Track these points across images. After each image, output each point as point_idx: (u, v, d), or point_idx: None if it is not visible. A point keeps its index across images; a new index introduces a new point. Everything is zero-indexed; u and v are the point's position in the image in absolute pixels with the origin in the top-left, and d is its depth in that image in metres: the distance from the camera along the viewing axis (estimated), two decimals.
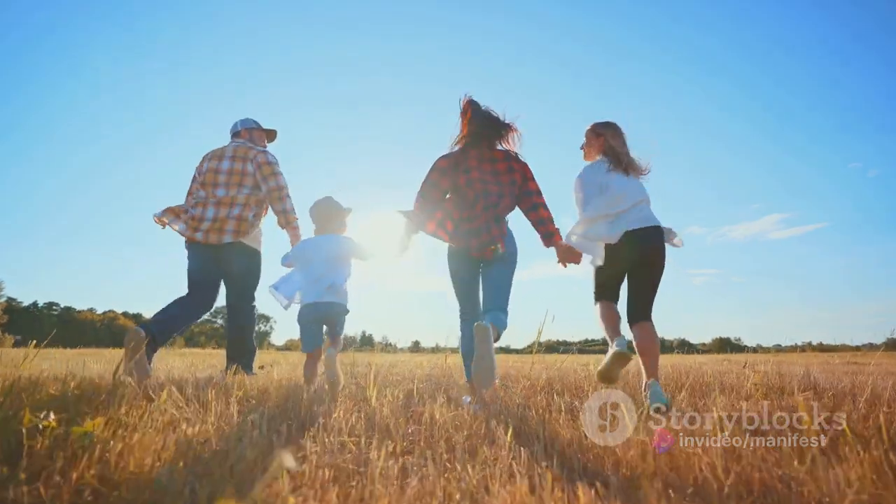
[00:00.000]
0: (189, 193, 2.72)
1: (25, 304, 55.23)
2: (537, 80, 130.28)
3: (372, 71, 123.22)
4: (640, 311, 2.21)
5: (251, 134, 2.83)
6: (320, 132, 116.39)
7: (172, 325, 2.44)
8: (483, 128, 2.19)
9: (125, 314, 61.04)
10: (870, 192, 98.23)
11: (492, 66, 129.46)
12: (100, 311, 59.40)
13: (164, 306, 2.47)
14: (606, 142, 2.35)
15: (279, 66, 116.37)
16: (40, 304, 57.04)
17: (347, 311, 2.31)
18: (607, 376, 2.13)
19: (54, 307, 57.45)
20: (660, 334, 2.30)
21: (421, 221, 2.16)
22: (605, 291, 2.32)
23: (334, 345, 2.26)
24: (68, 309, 57.35)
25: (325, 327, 2.29)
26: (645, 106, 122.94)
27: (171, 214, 2.63)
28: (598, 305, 2.32)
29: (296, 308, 2.28)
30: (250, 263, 2.66)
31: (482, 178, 2.12)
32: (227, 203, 2.56)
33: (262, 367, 3.46)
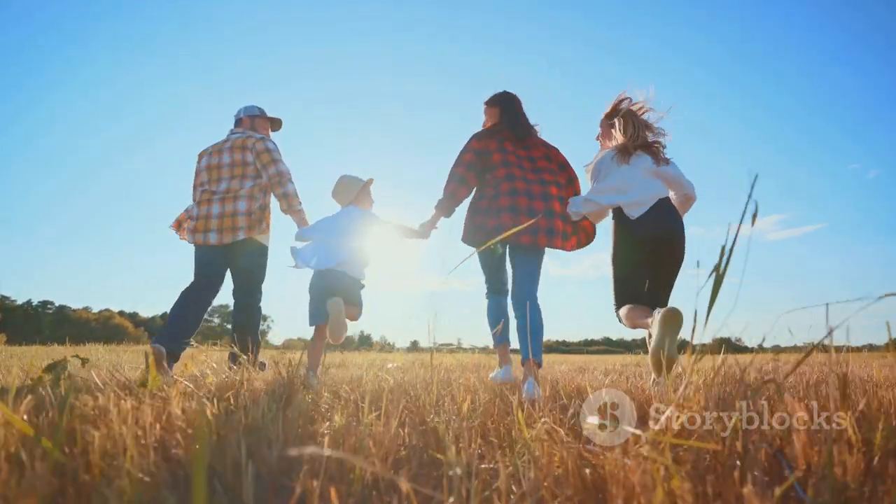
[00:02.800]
0: (194, 188, 2.70)
1: (19, 302, 54.89)
2: (542, 82, 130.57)
3: (378, 69, 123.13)
4: (662, 300, 2.07)
5: (253, 122, 2.75)
6: (326, 130, 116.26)
7: (186, 329, 2.39)
8: (511, 128, 2.24)
9: (121, 313, 60.72)
10: (869, 192, 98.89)
11: (495, 68, 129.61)
12: (95, 309, 59.11)
13: (172, 310, 2.40)
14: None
15: (283, 64, 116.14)
16: (34, 302, 56.69)
17: (362, 285, 2.22)
18: (665, 353, 1.66)
19: (49, 306, 57.13)
20: None
21: (451, 208, 2.21)
22: (626, 295, 2.06)
23: (350, 310, 2.15)
24: (63, 308, 57.04)
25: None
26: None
27: (179, 226, 2.69)
28: (621, 311, 2.06)
29: (302, 313, 2.18)
30: (259, 259, 2.62)
31: (519, 163, 2.14)
32: (231, 198, 2.51)
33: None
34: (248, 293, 2.61)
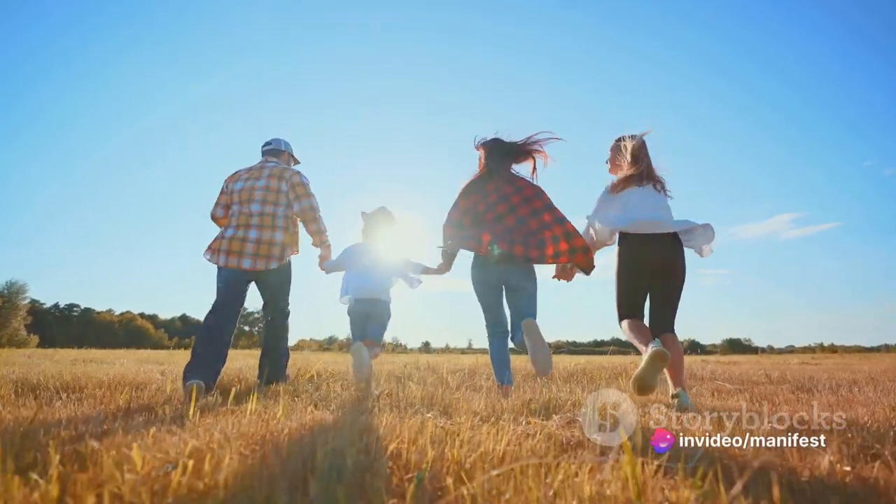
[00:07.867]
0: (217, 205, 2.79)
1: (48, 305, 56.69)
2: (551, 84, 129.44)
3: (383, 72, 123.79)
4: (664, 323, 2.20)
5: (290, 157, 2.97)
6: (330, 132, 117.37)
7: (217, 363, 2.40)
8: (500, 159, 2.52)
9: (142, 315, 62.32)
10: (884, 191, 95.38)
11: (498, 69, 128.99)
12: (117, 311, 60.73)
13: (197, 346, 2.38)
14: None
15: (291, 67, 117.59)
16: (62, 305, 58.53)
17: (389, 310, 2.78)
18: (645, 382, 1.91)
19: (75, 308, 58.86)
20: None
21: (455, 245, 2.45)
22: (628, 308, 2.25)
23: (374, 336, 2.69)
24: (88, 310, 58.68)
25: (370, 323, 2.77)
26: (656, 106, 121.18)
27: (211, 252, 2.61)
28: (623, 323, 2.26)
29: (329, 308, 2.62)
30: (287, 277, 2.76)
31: (502, 199, 2.41)
32: (268, 225, 2.61)
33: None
34: (278, 309, 2.72)
